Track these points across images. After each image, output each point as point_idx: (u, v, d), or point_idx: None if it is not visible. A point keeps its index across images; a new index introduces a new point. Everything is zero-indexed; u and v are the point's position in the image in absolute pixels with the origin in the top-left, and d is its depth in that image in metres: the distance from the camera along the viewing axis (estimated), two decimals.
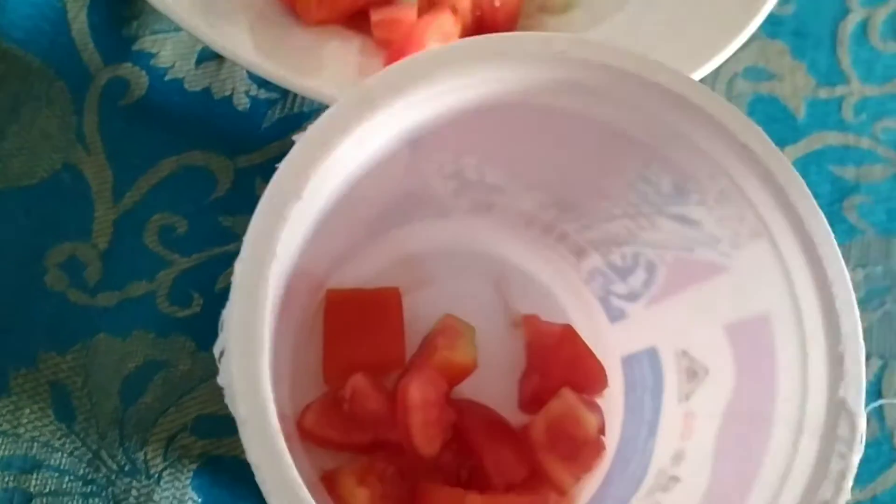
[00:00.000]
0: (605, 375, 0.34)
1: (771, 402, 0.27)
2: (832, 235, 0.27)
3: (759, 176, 0.27)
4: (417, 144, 0.29)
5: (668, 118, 0.28)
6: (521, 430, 0.32)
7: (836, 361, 0.26)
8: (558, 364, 0.34)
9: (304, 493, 0.21)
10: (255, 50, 0.33)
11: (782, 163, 0.27)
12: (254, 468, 0.21)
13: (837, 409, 0.25)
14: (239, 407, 0.21)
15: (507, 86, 0.27)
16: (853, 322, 0.26)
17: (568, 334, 0.34)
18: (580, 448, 0.32)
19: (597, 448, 0.32)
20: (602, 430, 0.33)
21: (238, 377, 0.21)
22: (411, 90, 0.25)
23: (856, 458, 0.25)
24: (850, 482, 0.25)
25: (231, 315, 0.21)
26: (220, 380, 0.21)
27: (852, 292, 0.26)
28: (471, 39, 0.26)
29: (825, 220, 0.27)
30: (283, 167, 0.23)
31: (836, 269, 0.26)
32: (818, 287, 0.26)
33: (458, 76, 0.26)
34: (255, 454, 0.21)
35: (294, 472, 0.21)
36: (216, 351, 0.22)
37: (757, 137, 0.27)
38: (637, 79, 0.27)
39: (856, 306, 0.26)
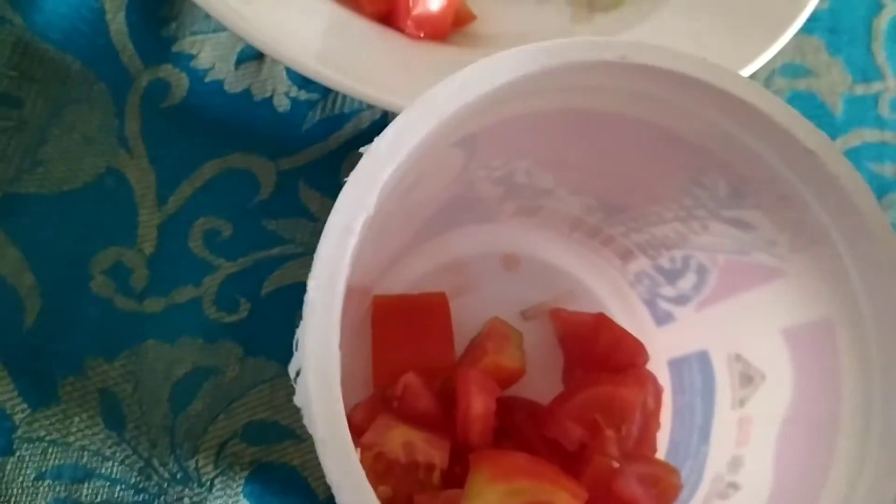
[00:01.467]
0: (645, 349, 0.34)
1: (835, 409, 0.27)
2: None
3: (822, 181, 0.27)
4: (473, 150, 0.28)
5: (727, 122, 0.27)
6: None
7: None
8: (597, 353, 0.34)
9: None
10: (303, 50, 0.33)
11: (847, 168, 0.26)
12: (334, 488, 0.21)
13: None
14: (318, 428, 0.21)
15: (566, 91, 0.27)
16: None
17: (602, 322, 0.34)
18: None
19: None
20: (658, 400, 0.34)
21: (316, 399, 0.21)
22: (476, 99, 0.25)
23: None
24: None
25: (307, 335, 0.21)
26: (297, 400, 0.21)
27: None
28: (533, 45, 0.26)
29: (891, 227, 0.26)
30: (353, 181, 0.23)
31: None
32: (882, 294, 0.26)
33: (521, 83, 0.25)
34: (335, 474, 0.20)
35: (372, 493, 0.21)
36: (291, 371, 0.22)
37: (822, 142, 0.26)
38: (697, 83, 0.26)
39: None
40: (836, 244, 0.27)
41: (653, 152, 0.29)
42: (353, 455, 0.21)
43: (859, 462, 0.26)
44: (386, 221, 0.27)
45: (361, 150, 0.23)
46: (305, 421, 0.21)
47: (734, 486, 0.30)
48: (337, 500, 0.21)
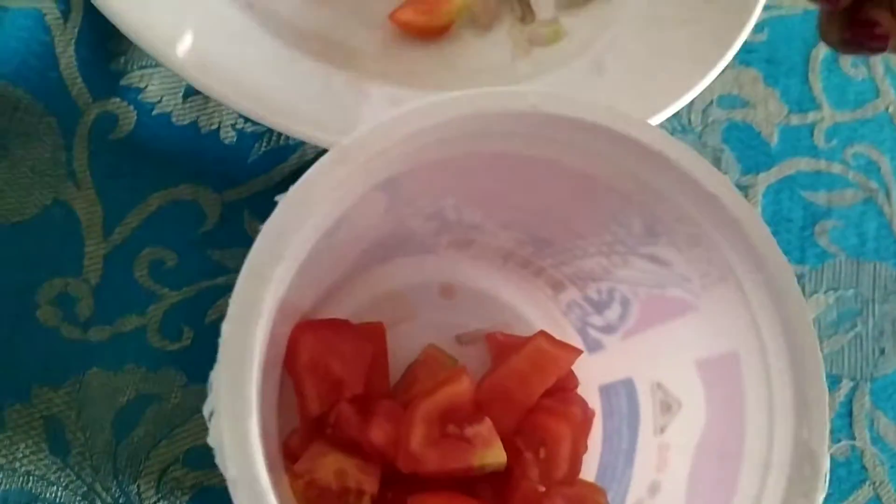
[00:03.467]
0: (573, 374, 0.35)
1: (740, 438, 0.28)
2: (795, 280, 0.28)
3: (725, 222, 0.28)
4: (396, 192, 0.29)
5: (636, 166, 0.29)
6: None
7: (801, 402, 0.27)
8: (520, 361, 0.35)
9: None
10: (238, 91, 0.34)
11: (747, 210, 0.28)
12: None
13: (802, 448, 0.26)
14: (229, 468, 0.22)
15: (482, 137, 0.28)
16: (816, 364, 0.27)
17: (533, 337, 0.35)
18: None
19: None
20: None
21: (228, 439, 0.22)
22: (389, 148, 0.26)
23: (819, 496, 0.26)
24: None
25: (219, 377, 0.22)
26: (210, 440, 0.22)
27: (815, 335, 0.27)
28: (447, 96, 0.27)
29: (789, 265, 0.28)
30: (266, 229, 0.24)
31: (799, 314, 0.27)
32: (782, 330, 0.28)
33: (435, 132, 0.27)
34: None
35: None
36: (205, 411, 0.23)
37: (723, 186, 0.28)
38: (605, 131, 0.28)
39: (818, 348, 0.27)
40: (741, 281, 0.29)
41: (571, 192, 0.31)
42: (267, 494, 0.22)
43: (759, 491, 0.27)
44: (314, 258, 0.29)
45: (277, 198, 0.24)
46: (217, 461, 0.22)
47: None
48: None
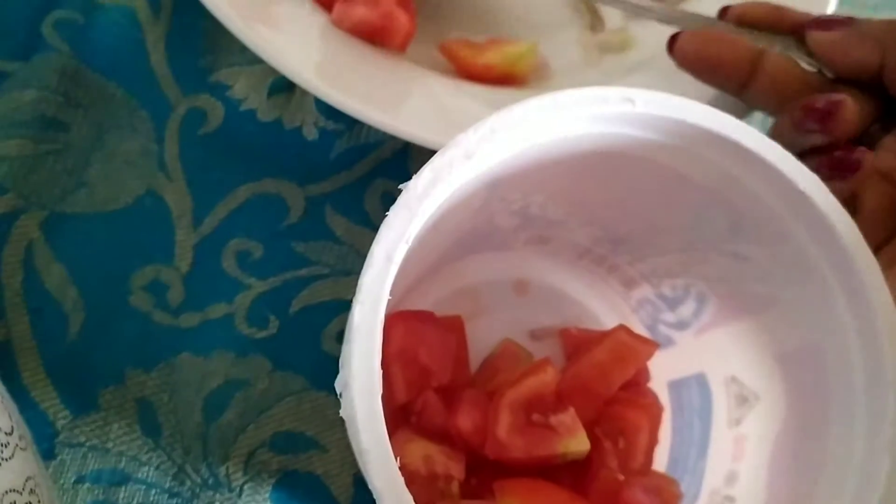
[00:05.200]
0: (646, 368, 0.36)
1: (823, 429, 0.29)
2: (882, 276, 0.29)
3: (813, 219, 0.29)
4: (495, 186, 0.31)
5: (728, 165, 0.30)
6: None
7: (885, 392, 0.28)
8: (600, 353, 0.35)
9: None
10: (329, 81, 0.35)
11: (836, 207, 0.29)
12: (376, 495, 0.23)
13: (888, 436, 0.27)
14: (362, 439, 0.23)
15: (582, 136, 0.29)
16: None
17: (614, 330, 0.36)
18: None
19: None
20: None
21: (361, 412, 0.23)
22: (502, 142, 0.27)
23: None
24: None
25: (352, 355, 0.23)
26: (343, 412, 0.23)
27: None
28: (555, 94, 0.28)
29: (877, 263, 0.29)
30: (393, 214, 0.25)
31: (885, 310, 0.28)
32: (867, 324, 0.29)
33: (542, 130, 0.28)
34: (378, 481, 0.23)
35: (410, 498, 0.23)
36: (337, 387, 0.24)
37: (813, 184, 0.29)
38: (700, 130, 0.29)
39: None
40: (827, 277, 0.29)
41: (660, 190, 0.32)
42: (394, 463, 0.23)
43: (843, 480, 0.28)
44: (413, 250, 0.30)
45: (401, 186, 0.26)
46: (350, 433, 0.23)
47: (730, 499, 0.32)
48: None
